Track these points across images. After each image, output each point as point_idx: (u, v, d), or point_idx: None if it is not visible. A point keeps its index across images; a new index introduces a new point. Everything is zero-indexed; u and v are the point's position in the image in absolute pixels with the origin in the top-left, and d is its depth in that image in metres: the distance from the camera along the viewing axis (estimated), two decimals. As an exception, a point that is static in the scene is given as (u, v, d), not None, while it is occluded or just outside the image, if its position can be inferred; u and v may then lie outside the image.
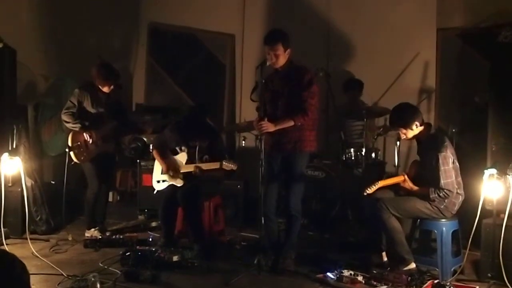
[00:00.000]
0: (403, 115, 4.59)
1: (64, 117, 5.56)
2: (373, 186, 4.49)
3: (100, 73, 5.63)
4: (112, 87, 5.72)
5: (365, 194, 4.51)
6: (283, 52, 4.66)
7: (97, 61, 5.92)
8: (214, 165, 5.17)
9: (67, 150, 5.53)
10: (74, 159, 5.53)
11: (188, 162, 5.37)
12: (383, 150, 6.74)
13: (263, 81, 4.64)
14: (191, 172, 5.25)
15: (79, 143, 5.53)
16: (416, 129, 4.51)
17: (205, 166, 5.26)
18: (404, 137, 4.64)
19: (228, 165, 5.06)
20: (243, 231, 5.88)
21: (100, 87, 5.66)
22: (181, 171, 5.31)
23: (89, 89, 5.65)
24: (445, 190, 4.31)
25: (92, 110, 5.62)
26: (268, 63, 4.65)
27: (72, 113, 5.54)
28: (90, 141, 5.53)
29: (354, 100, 6.86)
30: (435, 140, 4.51)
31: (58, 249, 5.26)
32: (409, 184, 4.51)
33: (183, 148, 5.47)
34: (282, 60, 4.69)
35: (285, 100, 4.72)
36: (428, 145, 4.53)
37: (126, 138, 7.10)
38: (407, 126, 4.53)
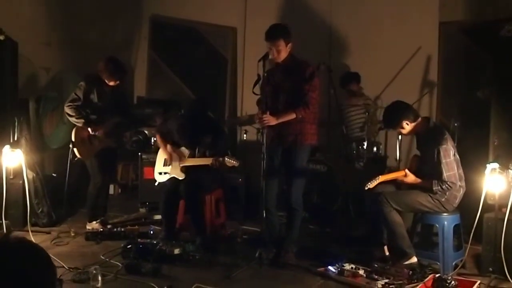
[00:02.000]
0: (390, 117, 4.67)
1: (68, 110, 5.54)
2: (374, 180, 4.49)
3: (107, 68, 5.61)
4: (118, 82, 5.71)
5: (366, 188, 4.51)
6: (284, 47, 4.65)
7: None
8: (207, 161, 5.18)
9: (70, 146, 5.53)
10: (78, 155, 5.54)
11: (190, 156, 5.37)
12: (385, 144, 6.74)
13: (265, 74, 4.62)
14: (195, 165, 5.26)
15: (82, 138, 5.53)
16: (408, 126, 4.54)
17: (196, 161, 5.27)
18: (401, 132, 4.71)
19: (230, 162, 5.06)
20: (244, 224, 5.88)
21: (106, 81, 5.66)
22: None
23: (94, 82, 5.64)
24: (448, 183, 4.31)
25: (98, 104, 5.62)
26: (270, 57, 4.64)
27: (76, 106, 5.53)
28: (94, 134, 5.53)
29: (353, 93, 6.85)
30: (434, 133, 4.51)
31: (60, 242, 5.26)
32: (411, 177, 4.50)
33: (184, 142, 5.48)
34: (283, 54, 4.68)
35: (286, 94, 4.72)
36: (428, 139, 4.53)
37: (127, 132, 7.09)
38: (396, 126, 4.61)
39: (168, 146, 5.49)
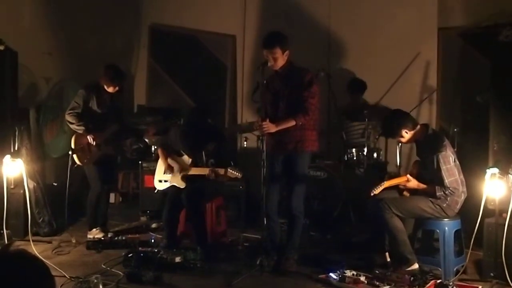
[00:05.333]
0: (389, 126, 4.71)
1: (69, 118, 5.58)
2: (379, 186, 4.50)
3: (107, 73, 5.68)
4: (117, 88, 5.75)
5: (371, 194, 4.51)
6: (281, 54, 4.66)
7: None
8: (204, 171, 5.18)
9: (70, 152, 5.55)
10: (77, 162, 5.56)
11: (192, 164, 5.36)
12: (385, 150, 6.74)
13: (264, 82, 4.64)
14: (196, 174, 5.25)
15: (82, 145, 5.55)
16: (407, 135, 4.55)
17: (195, 170, 5.27)
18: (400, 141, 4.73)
19: (233, 173, 5.06)
20: (245, 232, 5.87)
21: (105, 87, 5.69)
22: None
23: (93, 89, 5.69)
24: (450, 188, 4.32)
25: (97, 111, 5.65)
26: (268, 64, 4.66)
27: (77, 113, 5.57)
28: (94, 143, 5.56)
29: (357, 100, 6.87)
30: (433, 140, 4.52)
31: (61, 251, 5.26)
32: (414, 183, 4.51)
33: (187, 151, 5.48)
34: (280, 62, 4.69)
35: (285, 101, 4.73)
36: (427, 146, 4.54)
37: (128, 140, 7.11)
38: (395, 135, 4.64)
39: (169, 159, 5.48)
